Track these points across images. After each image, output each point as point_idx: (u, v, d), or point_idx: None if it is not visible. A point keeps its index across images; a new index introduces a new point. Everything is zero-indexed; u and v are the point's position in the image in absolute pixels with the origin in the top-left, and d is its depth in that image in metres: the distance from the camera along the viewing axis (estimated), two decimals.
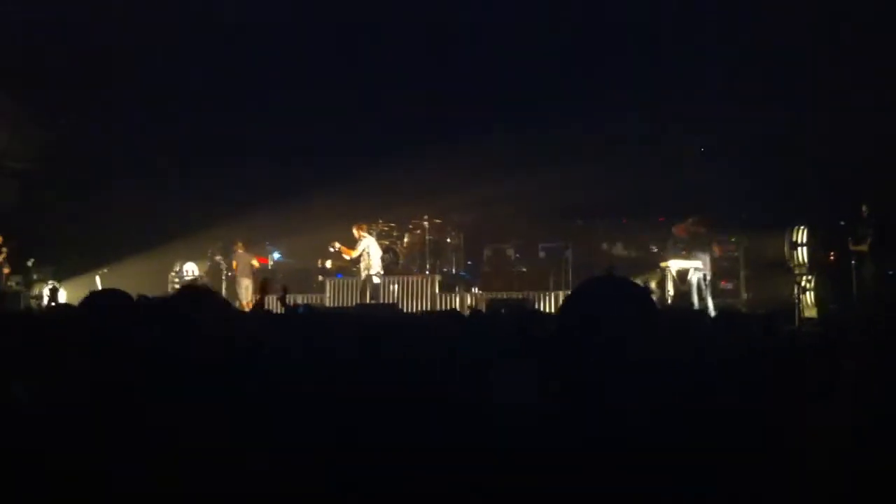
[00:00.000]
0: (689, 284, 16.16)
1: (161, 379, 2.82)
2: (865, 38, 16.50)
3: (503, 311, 6.87)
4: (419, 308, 17.67)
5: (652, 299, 2.49)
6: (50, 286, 19.22)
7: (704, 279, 15.59)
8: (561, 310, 2.73)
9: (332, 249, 18.24)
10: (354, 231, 17.69)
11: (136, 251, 20.50)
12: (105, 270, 19.81)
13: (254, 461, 2.51)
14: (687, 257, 15.85)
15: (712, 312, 12.78)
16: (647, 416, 2.21)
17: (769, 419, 2.77)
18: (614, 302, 2.35)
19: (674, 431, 2.25)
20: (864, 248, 14.58)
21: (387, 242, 19.50)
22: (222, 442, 2.56)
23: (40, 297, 18.92)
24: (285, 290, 11.50)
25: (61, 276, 19.89)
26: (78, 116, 21.24)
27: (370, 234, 18.06)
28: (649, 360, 2.27)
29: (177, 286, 19.83)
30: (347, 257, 17.85)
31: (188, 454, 2.48)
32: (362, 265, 17.56)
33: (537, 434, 2.24)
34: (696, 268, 17.10)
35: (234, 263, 19.74)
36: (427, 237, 19.84)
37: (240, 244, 19.63)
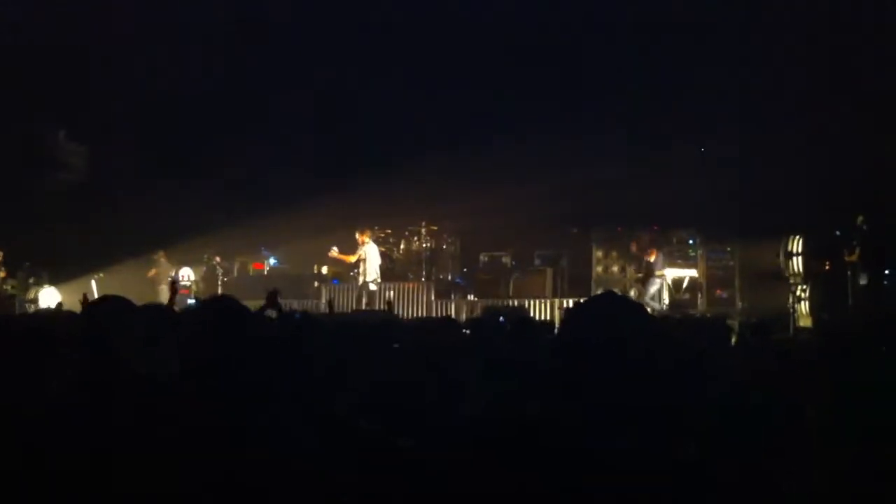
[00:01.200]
0: (645, 292, 16.52)
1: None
2: (861, 45, 16.56)
3: (501, 318, 6.87)
4: (415, 315, 17.68)
5: (652, 319, 2.53)
6: (44, 291, 19.17)
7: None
8: (562, 327, 2.76)
9: (331, 255, 18.38)
10: (357, 236, 17.84)
11: (131, 255, 20.49)
12: (100, 275, 19.76)
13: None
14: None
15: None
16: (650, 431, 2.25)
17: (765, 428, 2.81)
18: (617, 320, 2.37)
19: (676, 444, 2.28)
20: (854, 258, 14.63)
21: (383, 249, 19.51)
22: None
23: (36, 300, 18.88)
24: (276, 292, 10.74)
25: (56, 281, 19.83)
26: (73, 121, 21.25)
27: (372, 240, 18.19)
28: (652, 376, 2.31)
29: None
30: (347, 262, 18.05)
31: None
32: (360, 270, 17.67)
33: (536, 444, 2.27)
34: (690, 276, 17.30)
35: (154, 271, 20.47)
36: (423, 244, 19.87)
37: (162, 253, 20.63)
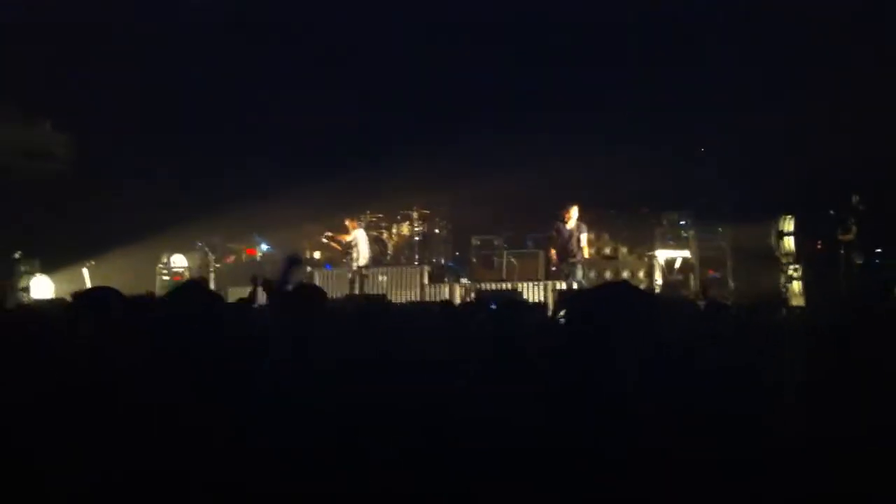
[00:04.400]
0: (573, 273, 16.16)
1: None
2: (853, 31, 16.54)
3: (493, 305, 6.84)
4: (408, 299, 17.66)
5: (658, 306, 2.52)
6: (36, 279, 19.09)
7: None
8: (568, 317, 2.75)
9: (324, 240, 18.50)
10: (347, 223, 18.11)
11: (123, 243, 20.39)
12: (92, 263, 19.70)
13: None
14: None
15: None
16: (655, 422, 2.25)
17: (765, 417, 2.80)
18: (623, 309, 2.37)
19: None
20: (849, 237, 14.63)
21: (375, 233, 19.56)
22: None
23: (28, 289, 18.81)
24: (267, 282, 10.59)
25: (48, 269, 19.74)
26: (64, 109, 21.13)
27: (362, 227, 18.36)
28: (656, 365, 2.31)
29: (165, 278, 19.94)
30: (342, 242, 18.05)
31: None
32: (352, 256, 17.79)
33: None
34: (682, 257, 17.27)
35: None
36: (416, 228, 19.90)
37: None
